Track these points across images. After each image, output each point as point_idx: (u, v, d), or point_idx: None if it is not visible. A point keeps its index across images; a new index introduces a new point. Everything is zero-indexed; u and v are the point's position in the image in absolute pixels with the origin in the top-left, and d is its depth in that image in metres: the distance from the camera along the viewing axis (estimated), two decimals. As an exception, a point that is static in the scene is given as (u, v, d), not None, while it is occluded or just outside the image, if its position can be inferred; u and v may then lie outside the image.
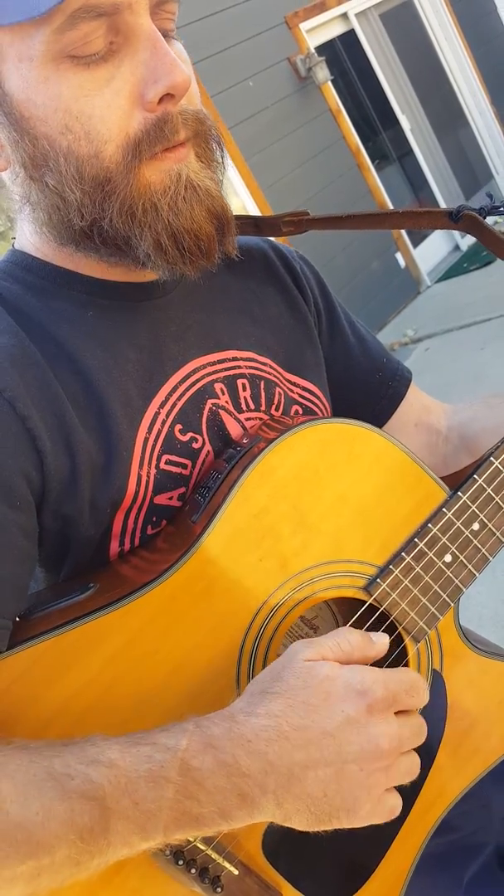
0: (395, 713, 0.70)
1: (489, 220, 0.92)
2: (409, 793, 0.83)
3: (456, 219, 0.92)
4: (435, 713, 0.83)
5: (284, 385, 0.94)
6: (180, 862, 0.71)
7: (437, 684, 0.84)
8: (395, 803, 0.69)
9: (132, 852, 0.62)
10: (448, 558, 0.79)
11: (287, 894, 0.78)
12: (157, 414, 0.83)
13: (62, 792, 0.59)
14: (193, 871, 0.71)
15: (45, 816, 0.58)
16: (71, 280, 0.83)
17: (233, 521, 0.74)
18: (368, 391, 1.06)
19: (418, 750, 0.82)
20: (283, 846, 0.76)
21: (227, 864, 0.73)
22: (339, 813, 0.66)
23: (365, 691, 0.67)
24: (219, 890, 0.73)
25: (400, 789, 0.70)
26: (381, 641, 0.73)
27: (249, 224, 1.01)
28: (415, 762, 0.71)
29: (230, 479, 0.76)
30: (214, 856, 0.73)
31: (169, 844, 0.69)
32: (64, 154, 0.73)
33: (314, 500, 0.77)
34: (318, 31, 6.58)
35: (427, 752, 0.83)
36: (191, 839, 0.71)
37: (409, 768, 0.71)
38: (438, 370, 5.05)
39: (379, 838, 0.82)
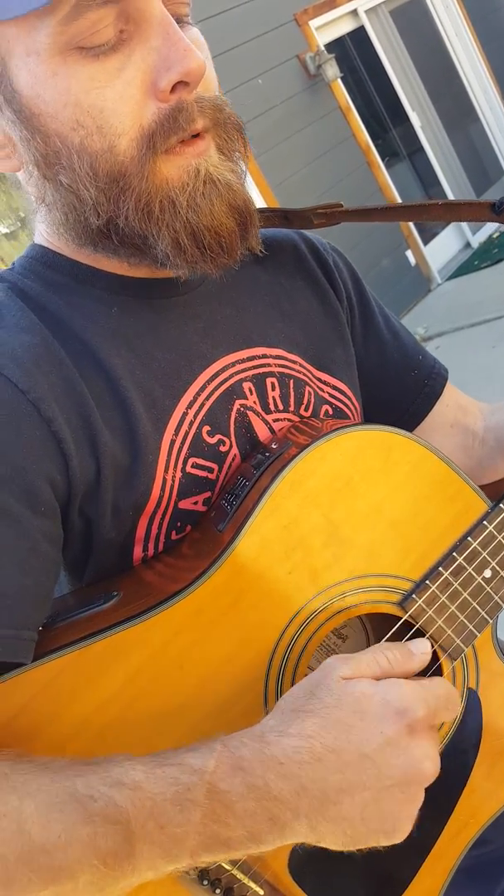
0: None
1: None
2: (442, 813, 0.81)
3: (499, 211, 0.89)
4: (469, 732, 0.81)
5: (314, 384, 0.90)
6: (205, 882, 0.69)
7: (472, 703, 0.81)
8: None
9: (157, 875, 0.59)
10: (488, 573, 0.76)
11: None
12: (184, 415, 0.80)
13: (85, 814, 0.57)
14: (219, 891, 0.69)
15: (68, 840, 0.56)
16: (93, 277, 0.81)
17: (262, 531, 0.71)
18: (403, 389, 1.03)
19: (452, 769, 0.80)
20: (310, 866, 0.74)
21: (252, 885, 0.71)
22: (378, 835, 0.63)
23: (404, 710, 0.64)
24: None
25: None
26: (423, 651, 0.70)
27: (279, 216, 0.97)
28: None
29: (259, 487, 0.73)
30: (240, 876, 0.71)
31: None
32: (77, 150, 0.71)
33: (347, 511, 0.74)
34: (327, 28, 6.55)
35: (461, 772, 0.82)
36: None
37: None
38: (449, 368, 4.95)
39: (409, 859, 0.80)
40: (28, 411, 0.71)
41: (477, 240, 7.28)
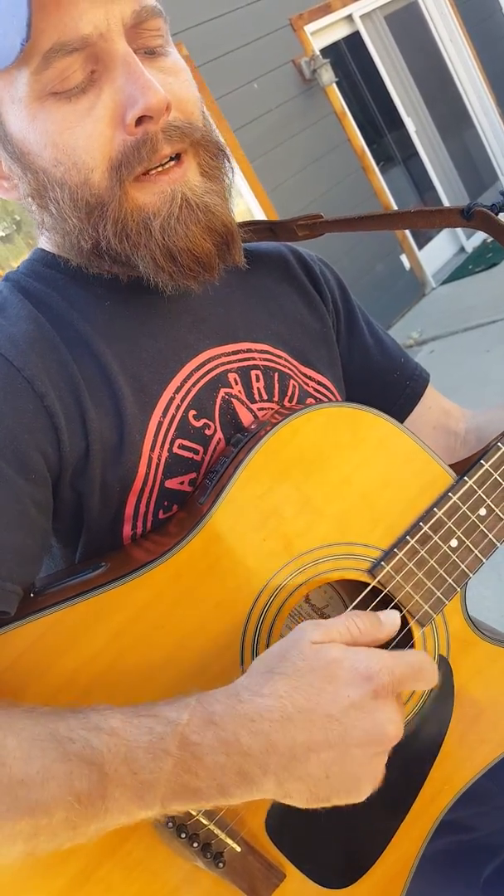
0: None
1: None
2: (416, 778, 0.83)
3: (468, 216, 0.92)
4: (441, 700, 0.83)
5: (299, 378, 0.95)
6: (183, 835, 0.72)
7: (444, 670, 0.83)
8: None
9: (130, 820, 0.63)
10: (454, 543, 0.79)
11: (290, 875, 0.77)
12: (171, 399, 0.85)
13: (63, 754, 0.61)
14: (196, 845, 0.72)
15: (45, 776, 0.60)
16: (89, 276, 0.86)
17: (237, 501, 0.75)
18: (385, 389, 1.07)
19: (425, 736, 0.82)
20: (288, 827, 0.76)
21: (229, 841, 0.74)
22: (340, 793, 0.67)
23: (370, 676, 0.67)
24: (220, 865, 0.73)
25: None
26: (391, 621, 0.73)
27: (265, 229, 1.03)
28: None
29: (236, 462, 0.77)
30: (217, 831, 0.73)
31: (172, 818, 0.71)
32: (59, 184, 0.79)
33: (319, 483, 0.77)
34: (322, 33, 6.58)
35: (434, 739, 0.84)
36: (193, 813, 0.72)
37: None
38: (443, 373, 5.02)
39: (385, 823, 0.82)
40: (23, 386, 0.76)
41: (471, 244, 7.31)
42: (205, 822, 0.73)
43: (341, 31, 6.86)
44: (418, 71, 7.42)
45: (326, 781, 0.65)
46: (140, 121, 0.76)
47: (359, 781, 0.67)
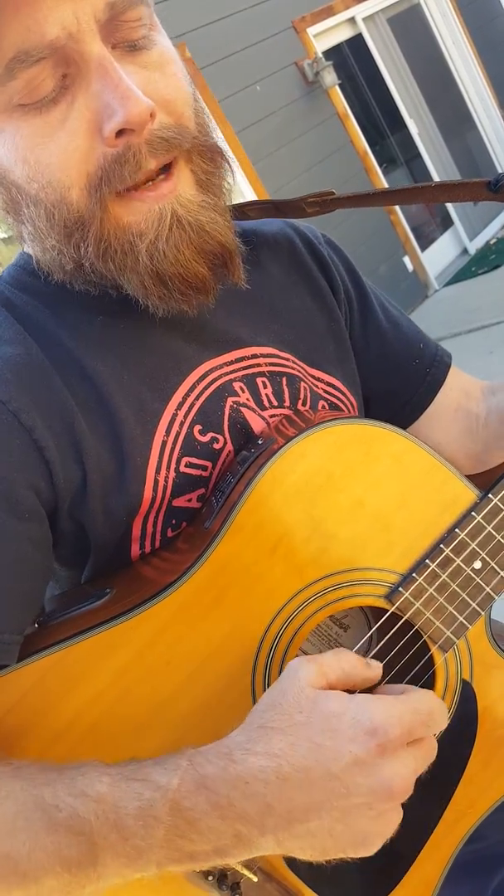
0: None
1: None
2: (439, 803, 0.81)
3: (496, 188, 0.87)
4: (465, 724, 0.80)
5: (309, 380, 0.90)
6: (197, 869, 0.69)
7: (467, 694, 0.80)
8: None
9: (126, 881, 0.60)
10: (478, 565, 0.75)
11: None
12: (174, 416, 0.80)
13: (50, 824, 0.58)
14: (211, 878, 0.70)
15: (32, 847, 0.58)
16: (76, 290, 0.80)
17: (244, 528, 0.71)
18: (406, 379, 1.01)
19: (447, 761, 0.79)
20: None
21: (245, 871, 0.71)
22: (348, 849, 0.62)
23: (375, 730, 0.61)
24: None
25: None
26: (375, 666, 0.69)
27: (269, 209, 0.96)
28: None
29: (243, 481, 0.73)
30: (233, 863, 0.70)
31: None
32: (33, 201, 0.71)
33: (329, 506, 0.73)
34: (325, 35, 6.57)
35: (457, 763, 0.81)
36: None
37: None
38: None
39: (407, 847, 0.80)
40: (7, 420, 0.71)
41: (474, 246, 7.29)
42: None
43: (344, 34, 6.85)
44: (421, 73, 7.41)
45: (331, 839, 0.61)
46: (120, 133, 0.68)
47: (367, 837, 0.62)
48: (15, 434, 0.71)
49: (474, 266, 6.89)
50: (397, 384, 1.01)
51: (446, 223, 7.43)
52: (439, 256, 7.21)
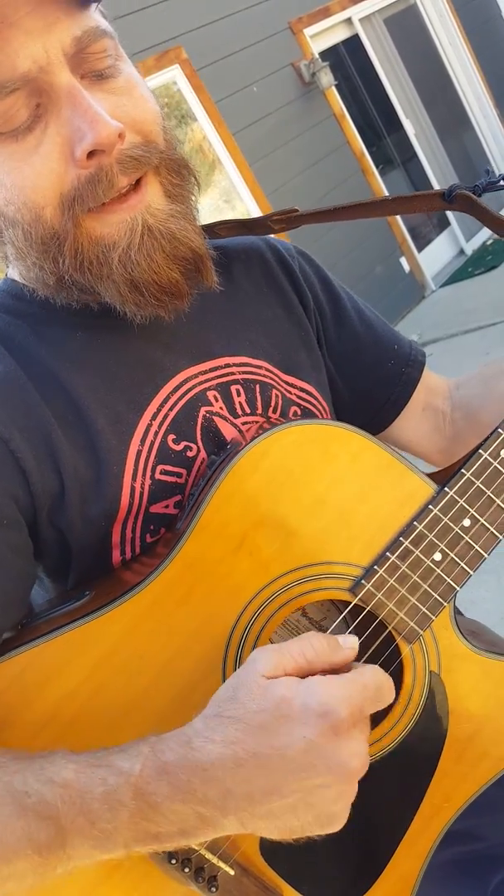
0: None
1: None
2: (412, 798, 0.81)
3: (449, 199, 0.89)
4: (435, 716, 0.81)
5: (282, 387, 0.92)
6: (173, 861, 0.70)
7: (436, 686, 0.81)
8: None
9: (95, 861, 0.63)
10: (437, 556, 0.76)
11: None
12: (149, 426, 0.83)
13: (19, 809, 0.61)
14: (188, 870, 0.71)
15: (2, 831, 0.61)
16: (59, 307, 0.83)
17: (209, 527, 0.74)
18: (381, 380, 1.04)
19: (420, 754, 0.80)
20: (283, 847, 0.73)
21: (222, 865, 0.73)
22: (313, 827, 0.64)
23: (326, 712, 0.62)
24: (214, 890, 0.72)
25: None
26: (349, 645, 0.69)
27: (238, 226, 1.00)
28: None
29: (209, 485, 0.75)
30: (209, 856, 0.72)
31: None
32: (12, 224, 0.76)
33: (291, 503, 0.76)
34: (322, 36, 6.58)
35: (429, 758, 0.82)
36: None
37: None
38: (444, 375, 5.01)
39: (384, 842, 0.81)
40: None
41: (471, 247, 7.30)
42: (196, 847, 0.71)
43: (340, 35, 6.86)
44: (417, 74, 7.43)
45: (294, 818, 0.63)
46: (92, 154, 0.72)
47: (330, 815, 0.63)
48: None
49: (471, 267, 6.90)
50: (373, 384, 1.04)
51: (443, 224, 7.44)
52: (436, 257, 7.22)
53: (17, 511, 0.75)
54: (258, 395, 0.89)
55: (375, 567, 0.76)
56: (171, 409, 0.84)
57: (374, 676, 0.67)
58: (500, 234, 0.91)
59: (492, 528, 0.78)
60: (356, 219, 0.97)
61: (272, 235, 1.03)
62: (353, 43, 6.96)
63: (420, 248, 7.04)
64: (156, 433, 0.83)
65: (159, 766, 0.62)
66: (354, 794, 0.65)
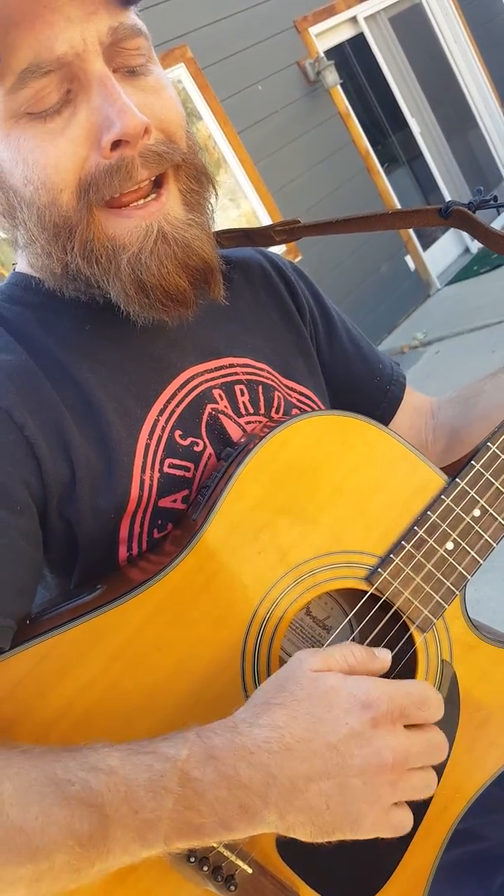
0: (408, 727, 0.68)
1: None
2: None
3: (446, 215, 0.92)
4: (448, 708, 0.81)
5: (283, 389, 0.94)
6: (192, 860, 0.70)
7: (449, 676, 0.82)
8: (403, 818, 0.68)
9: (133, 860, 0.62)
10: (450, 546, 0.78)
11: (304, 894, 0.76)
12: (156, 421, 0.84)
13: (62, 797, 0.60)
14: (206, 868, 0.70)
15: (45, 821, 0.59)
16: (66, 299, 0.84)
17: (229, 515, 0.74)
18: (368, 396, 1.07)
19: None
20: (299, 845, 0.74)
21: (240, 863, 0.73)
22: (343, 825, 0.65)
23: (369, 703, 0.66)
24: (232, 888, 0.72)
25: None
26: (383, 657, 0.72)
27: (240, 236, 1.02)
28: (429, 779, 0.69)
29: (227, 476, 0.76)
30: (227, 854, 0.72)
31: None
32: (27, 204, 0.77)
33: (311, 492, 0.77)
34: (327, 34, 6.59)
35: None
36: None
37: (422, 784, 0.69)
38: (448, 373, 5.03)
39: (396, 839, 0.81)
40: (1, 417, 0.75)
41: (476, 245, 7.29)
42: (214, 845, 0.71)
43: (345, 33, 6.87)
44: (422, 72, 7.42)
45: (328, 812, 0.64)
46: (116, 145, 0.74)
47: (360, 813, 0.65)
48: (7, 430, 0.75)
49: (476, 265, 6.90)
50: (359, 398, 1.06)
51: (448, 222, 7.43)
52: (441, 255, 7.22)
53: (29, 498, 0.75)
54: (261, 395, 0.91)
55: (391, 556, 0.78)
56: (177, 405, 0.85)
57: (419, 687, 0.70)
58: (496, 251, 0.93)
59: (500, 518, 0.80)
60: (356, 232, 0.99)
61: (271, 248, 1.06)
62: (359, 41, 6.95)
63: (425, 247, 7.04)
64: (163, 428, 0.84)
65: (206, 751, 0.63)
66: (388, 798, 0.66)
